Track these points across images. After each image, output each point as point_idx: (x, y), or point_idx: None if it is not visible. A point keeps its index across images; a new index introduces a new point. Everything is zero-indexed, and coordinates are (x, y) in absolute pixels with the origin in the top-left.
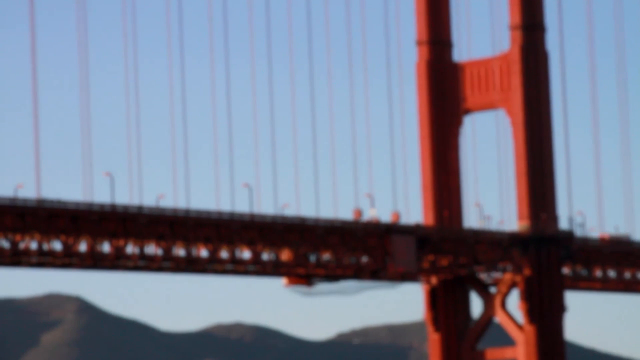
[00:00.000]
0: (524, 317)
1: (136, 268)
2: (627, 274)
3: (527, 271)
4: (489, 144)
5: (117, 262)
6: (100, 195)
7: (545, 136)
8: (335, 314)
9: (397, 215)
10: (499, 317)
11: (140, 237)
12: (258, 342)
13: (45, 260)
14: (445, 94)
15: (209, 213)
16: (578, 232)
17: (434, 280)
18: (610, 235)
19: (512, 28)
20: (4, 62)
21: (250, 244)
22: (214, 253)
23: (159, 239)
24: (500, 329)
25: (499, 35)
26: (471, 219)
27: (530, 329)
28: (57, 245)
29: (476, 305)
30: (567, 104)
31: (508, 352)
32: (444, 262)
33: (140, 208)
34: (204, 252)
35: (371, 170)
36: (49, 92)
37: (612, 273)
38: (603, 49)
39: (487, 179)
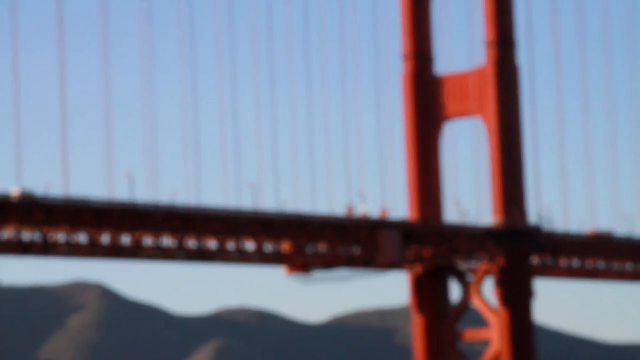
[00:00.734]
0: (498, 301)
1: (153, 258)
2: (590, 264)
3: (500, 261)
4: (467, 148)
5: (136, 252)
6: (121, 193)
7: (516, 141)
8: (330, 299)
9: (385, 211)
10: (476, 302)
11: (157, 231)
12: (262, 325)
13: (72, 251)
14: (428, 103)
15: (217, 209)
16: (546, 226)
17: (418, 269)
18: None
19: (487, 44)
20: (31, 63)
21: (255, 236)
22: (222, 245)
23: (173, 232)
24: (476, 313)
25: (476, 50)
26: (451, 215)
27: (503, 312)
28: (82, 238)
29: (455, 292)
30: (536, 112)
31: (483, 332)
32: (427, 253)
33: (156, 205)
34: (213, 244)
35: (362, 171)
36: (75, 97)
37: (576, 262)
38: (569, 62)
39: (465, 178)
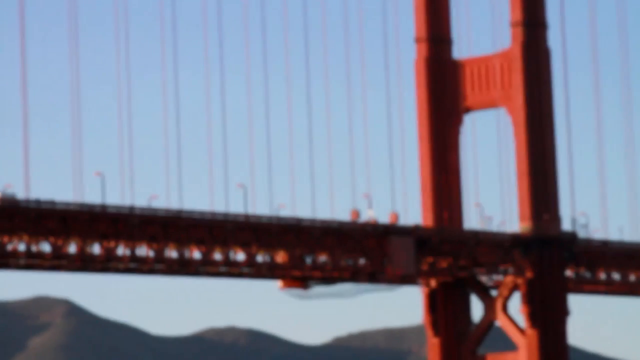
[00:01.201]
0: (526, 320)
1: (127, 270)
2: (632, 277)
3: (529, 273)
4: (490, 143)
5: (107, 264)
6: (91, 195)
7: (547, 134)
8: (331, 318)
9: (395, 216)
10: (500, 321)
11: (132, 239)
12: (252, 347)
13: (33, 262)
14: (445, 92)
15: (202, 214)
16: (581, 234)
17: (433, 282)
18: None
19: (513, 25)
20: None
21: (245, 245)
22: (207, 255)
23: (150, 240)
24: (501, 333)
25: (500, 32)
26: (471, 220)
27: (532, 333)
28: (45, 247)
29: (477, 309)
30: (569, 102)
31: (509, 357)
32: (444, 264)
33: (131, 208)
34: (196, 254)
35: (369, 169)
36: (39, 91)
37: (616, 275)
38: (606, 46)
39: (487, 178)
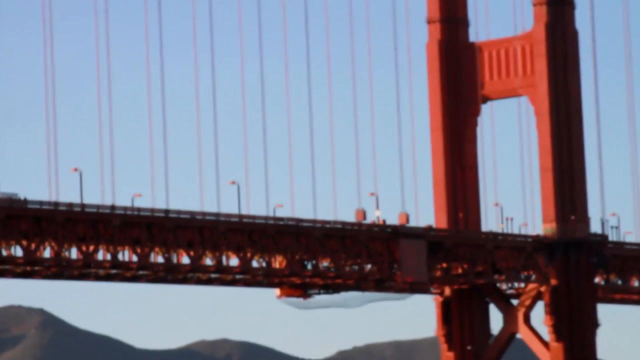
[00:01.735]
0: (550, 333)
1: (108, 277)
2: None
3: (553, 281)
4: (510, 136)
5: (86, 270)
6: (67, 194)
7: (574, 126)
8: (334, 330)
9: (405, 216)
10: (522, 333)
11: (113, 242)
12: None
13: (3, 268)
14: (460, 79)
15: (191, 214)
16: (612, 236)
17: (447, 291)
18: None
19: (536, 3)
20: None
21: (238, 249)
22: (196, 260)
23: (134, 243)
24: (523, 347)
25: (522, 12)
26: (490, 221)
27: (557, 346)
28: (17, 251)
29: (496, 320)
30: (598, 89)
31: None
32: (459, 270)
33: (112, 208)
34: (185, 259)
35: (375, 165)
36: (14, 83)
37: None
38: None
39: (507, 175)
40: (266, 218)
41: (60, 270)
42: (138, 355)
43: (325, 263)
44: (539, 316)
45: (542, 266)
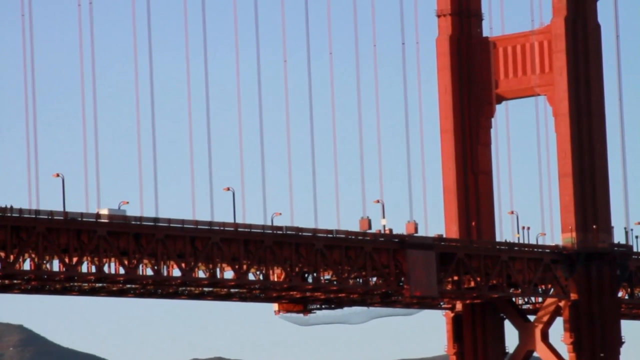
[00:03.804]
0: (570, 352)
1: (93, 291)
2: None
3: (573, 295)
4: (527, 139)
5: (69, 283)
6: (49, 201)
7: (595, 128)
8: (337, 348)
9: (413, 225)
10: (539, 352)
11: (98, 253)
12: None
13: None
14: (473, 76)
15: (182, 223)
16: (636, 247)
17: (458, 305)
18: None
19: None
20: None
21: (233, 261)
22: (188, 272)
23: (121, 255)
24: None
25: (539, 4)
26: (505, 231)
27: None
28: None
29: (511, 337)
30: (622, 89)
31: None
32: (471, 283)
33: (98, 217)
34: (176, 272)
35: (381, 171)
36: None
37: None
38: None
39: (524, 181)
40: (263, 227)
41: (41, 283)
42: None
43: (327, 276)
44: (558, 333)
45: (561, 279)
